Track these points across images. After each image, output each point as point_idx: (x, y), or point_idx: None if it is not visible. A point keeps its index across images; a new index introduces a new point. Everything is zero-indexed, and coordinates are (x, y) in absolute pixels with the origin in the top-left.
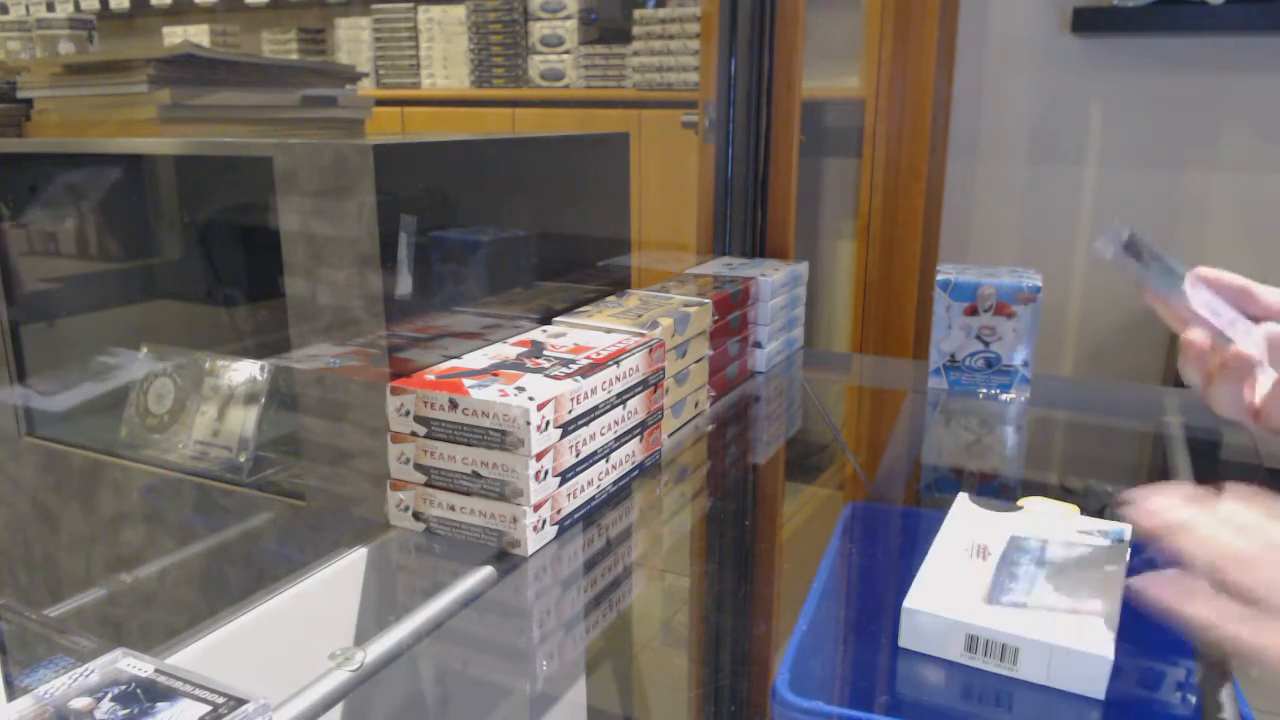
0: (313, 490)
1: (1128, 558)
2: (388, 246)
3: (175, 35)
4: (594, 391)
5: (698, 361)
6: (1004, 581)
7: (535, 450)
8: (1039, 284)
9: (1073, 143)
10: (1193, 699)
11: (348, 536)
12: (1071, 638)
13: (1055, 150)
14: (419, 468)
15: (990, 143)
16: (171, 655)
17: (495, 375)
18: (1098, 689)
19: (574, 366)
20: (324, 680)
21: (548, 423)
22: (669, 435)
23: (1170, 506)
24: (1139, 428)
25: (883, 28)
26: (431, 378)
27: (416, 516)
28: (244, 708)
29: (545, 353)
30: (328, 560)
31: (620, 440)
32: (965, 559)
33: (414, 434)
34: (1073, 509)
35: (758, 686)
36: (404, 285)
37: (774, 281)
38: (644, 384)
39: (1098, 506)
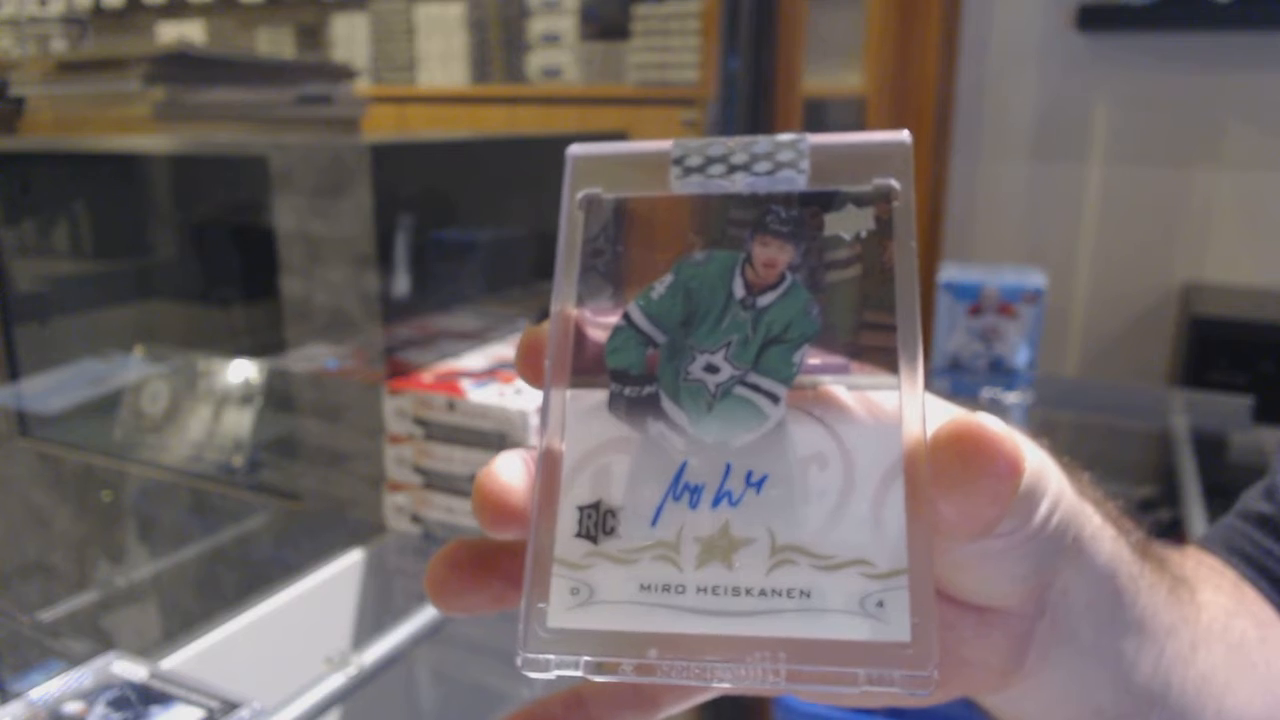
0: (309, 492)
1: None
2: (384, 246)
3: (170, 32)
4: None
5: None
6: None
7: None
8: (1043, 284)
9: (1078, 141)
10: None
11: (344, 539)
12: None
13: (1060, 148)
14: (417, 470)
15: (994, 141)
16: (165, 659)
17: (493, 376)
18: None
19: None
20: (320, 684)
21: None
22: None
23: None
24: (1144, 429)
25: (885, 25)
26: (429, 379)
27: (414, 519)
28: (238, 712)
29: None
30: (324, 563)
31: None
32: None
33: (412, 436)
34: None
35: None
36: (401, 285)
37: None
38: None
39: None
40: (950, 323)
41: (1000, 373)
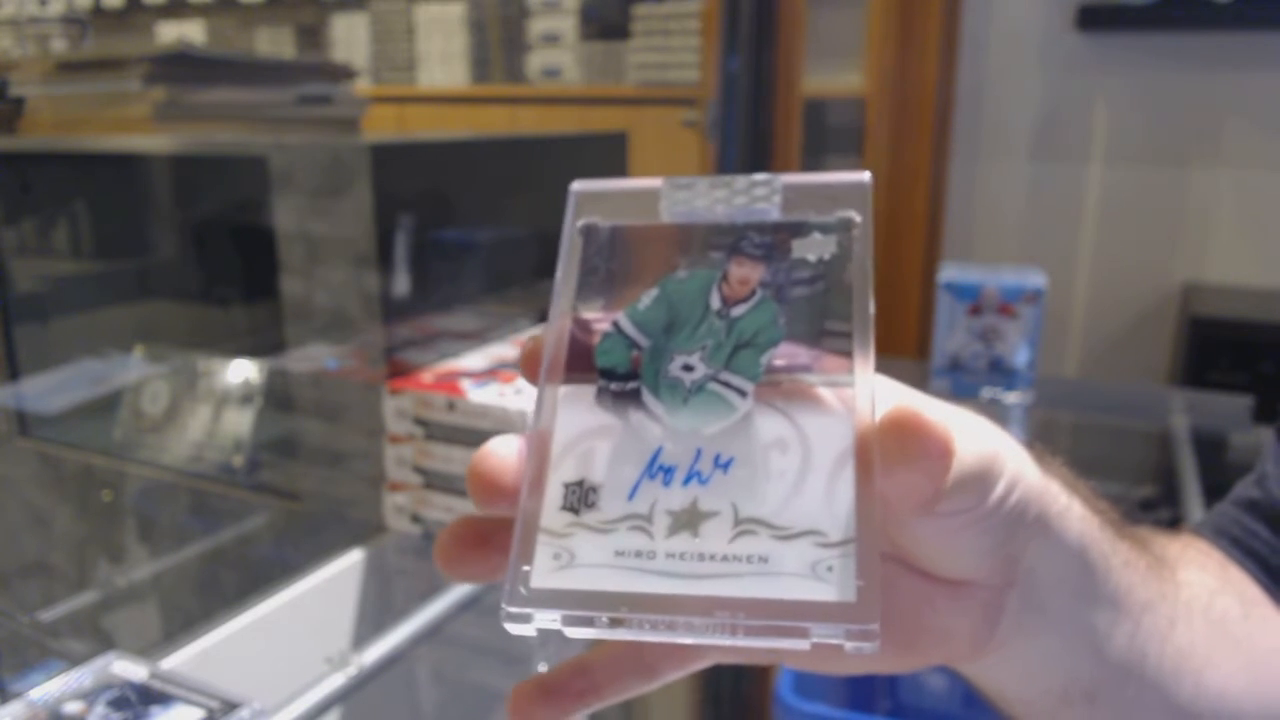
0: (309, 492)
1: None
2: (384, 246)
3: (170, 32)
4: None
5: None
6: None
7: None
8: (1042, 284)
9: (1077, 140)
10: None
11: (344, 539)
12: None
13: (1060, 148)
14: (417, 470)
15: (994, 141)
16: (166, 659)
17: (493, 376)
18: None
19: None
20: (320, 684)
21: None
22: None
23: None
24: (1144, 429)
25: (885, 25)
26: (429, 379)
27: (414, 519)
28: (238, 712)
29: None
30: (324, 563)
31: None
32: None
33: (412, 436)
34: None
35: (760, 689)
36: (401, 285)
37: None
38: None
39: None
40: (950, 323)
41: (1000, 373)
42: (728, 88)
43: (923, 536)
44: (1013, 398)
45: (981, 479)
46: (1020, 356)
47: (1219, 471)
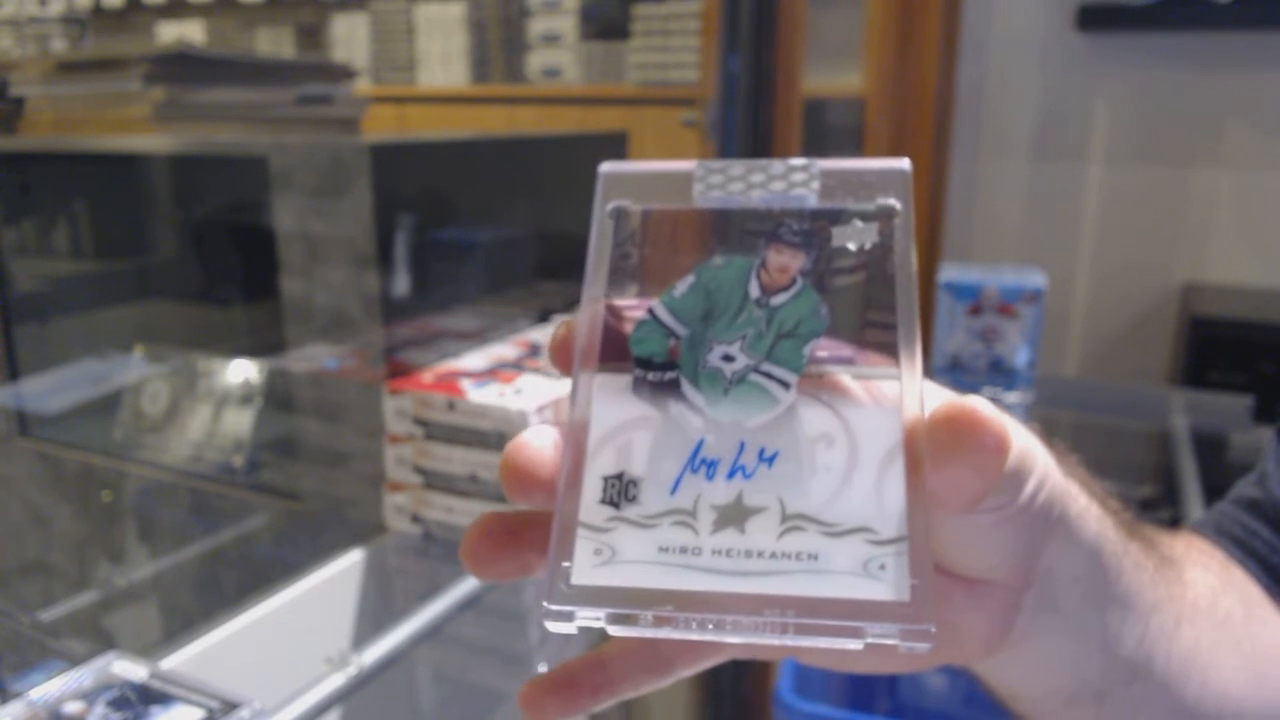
0: (309, 492)
1: None
2: (384, 246)
3: (170, 32)
4: None
5: None
6: None
7: None
8: (1043, 284)
9: (1078, 141)
10: None
11: (344, 539)
12: None
13: (1060, 148)
14: (417, 470)
15: (994, 141)
16: (166, 659)
17: (493, 376)
18: None
19: None
20: (320, 684)
21: (547, 424)
22: None
23: None
24: (1145, 429)
25: (885, 25)
26: (429, 379)
27: (414, 519)
28: (238, 712)
29: (544, 353)
30: (324, 563)
31: None
32: None
33: (412, 436)
34: None
35: (760, 689)
36: (401, 285)
37: None
38: None
39: None
40: (950, 323)
41: (1000, 373)
42: (728, 88)
43: (951, 535)
44: (1013, 398)
45: (1015, 475)
46: (1020, 356)
47: (1219, 471)
